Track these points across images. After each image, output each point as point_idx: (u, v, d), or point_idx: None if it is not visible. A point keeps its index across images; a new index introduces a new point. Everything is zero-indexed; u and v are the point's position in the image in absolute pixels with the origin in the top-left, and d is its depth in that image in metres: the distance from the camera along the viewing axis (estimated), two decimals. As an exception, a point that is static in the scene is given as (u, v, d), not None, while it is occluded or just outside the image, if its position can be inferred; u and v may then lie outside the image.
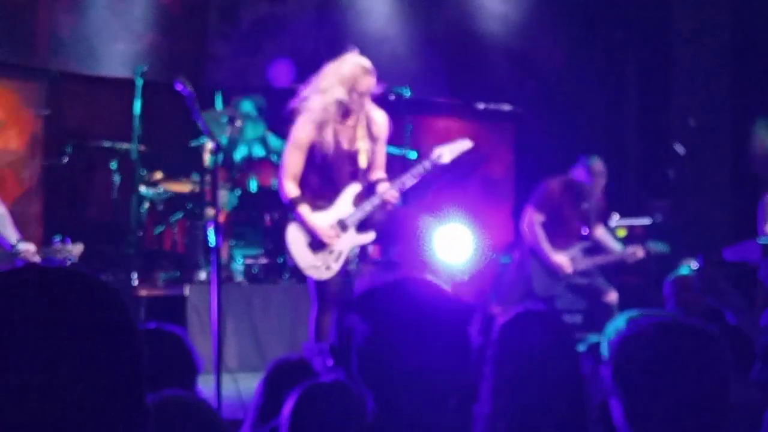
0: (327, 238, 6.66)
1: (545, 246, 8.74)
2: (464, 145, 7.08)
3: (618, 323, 3.43)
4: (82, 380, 1.38)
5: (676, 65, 12.34)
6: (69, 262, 7.21)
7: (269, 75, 10.44)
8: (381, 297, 2.28)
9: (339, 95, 6.61)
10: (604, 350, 3.39)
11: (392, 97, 9.57)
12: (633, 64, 12.68)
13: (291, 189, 6.64)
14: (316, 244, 6.67)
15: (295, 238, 6.66)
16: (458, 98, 11.65)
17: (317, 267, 6.64)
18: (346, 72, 6.63)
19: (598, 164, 8.91)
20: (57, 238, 7.31)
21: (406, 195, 9.70)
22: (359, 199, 6.79)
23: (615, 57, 12.56)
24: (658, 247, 9.18)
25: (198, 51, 10.80)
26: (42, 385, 1.36)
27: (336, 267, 6.69)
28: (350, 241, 6.78)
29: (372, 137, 6.86)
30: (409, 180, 6.80)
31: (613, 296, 8.72)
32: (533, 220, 8.82)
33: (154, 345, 3.30)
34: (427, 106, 11.04)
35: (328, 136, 6.64)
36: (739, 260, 8.60)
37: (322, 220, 6.69)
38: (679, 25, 12.33)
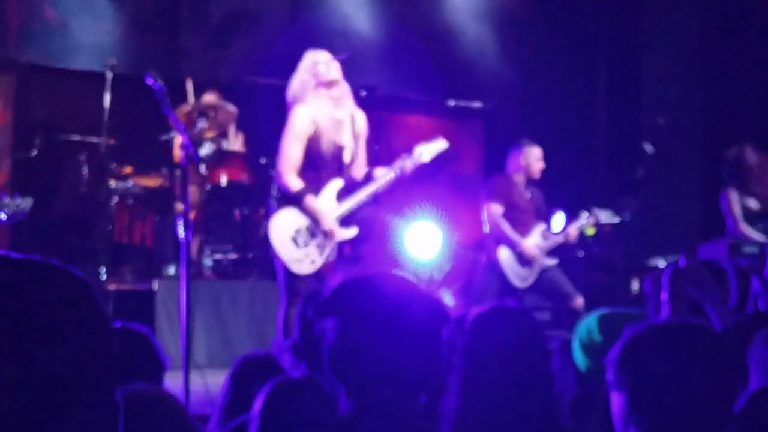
0: (335, 230, 6.65)
1: (513, 235, 8.78)
2: (441, 144, 7.10)
3: (589, 322, 3.45)
4: (52, 373, 1.37)
5: (646, 64, 12.41)
6: (20, 216, 7.17)
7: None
8: (351, 293, 2.29)
9: (306, 81, 6.71)
10: (576, 349, 3.41)
11: (363, 94, 9.59)
12: (603, 62, 12.74)
13: (295, 181, 6.60)
14: (302, 237, 6.64)
15: (279, 230, 6.63)
16: (429, 95, 11.66)
17: (301, 261, 6.60)
18: (307, 64, 6.74)
19: (534, 148, 8.96)
20: (4, 194, 7.25)
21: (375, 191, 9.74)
22: (341, 195, 6.77)
23: (585, 55, 12.61)
24: (608, 216, 9.23)
25: (169, 45, 10.77)
26: (12, 379, 1.34)
27: (320, 261, 6.68)
28: (338, 237, 6.79)
29: (354, 135, 6.88)
30: (395, 172, 6.83)
31: (579, 301, 8.75)
32: (493, 212, 8.86)
33: (120, 344, 3.30)
34: (398, 103, 11.05)
35: (321, 128, 6.66)
36: (708, 258, 8.68)
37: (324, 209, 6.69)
38: (649, 23, 12.40)
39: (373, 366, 2.22)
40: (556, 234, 9.02)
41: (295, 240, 6.65)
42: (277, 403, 2.89)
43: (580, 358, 3.35)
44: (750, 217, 9.00)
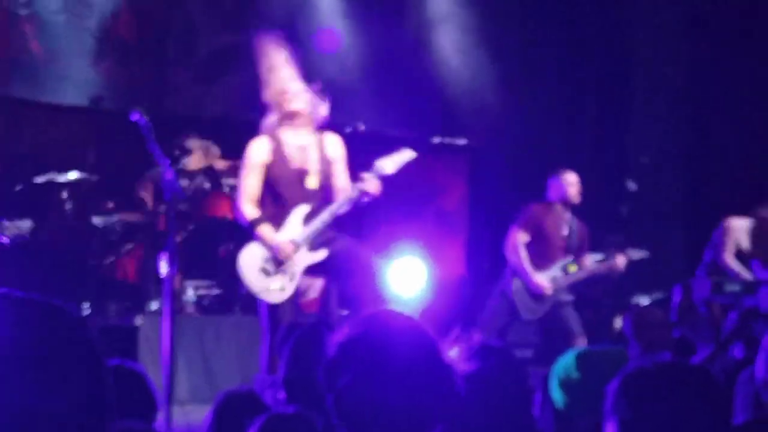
0: (289, 250, 6.60)
1: (527, 266, 8.69)
2: (405, 155, 7.07)
3: (567, 359, 3.47)
4: (46, 410, 1.37)
5: (632, 103, 12.48)
6: (21, 238, 7.21)
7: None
8: (360, 348, 2.27)
9: (284, 88, 6.76)
10: (554, 386, 3.42)
11: (348, 131, 9.62)
12: (590, 100, 12.82)
13: (250, 211, 6.60)
14: (271, 266, 6.63)
15: (247, 262, 6.63)
16: (413, 131, 11.70)
17: (270, 290, 6.60)
18: (276, 66, 6.85)
19: (569, 174, 8.93)
20: (3, 218, 7.29)
21: (359, 228, 9.74)
22: (308, 219, 6.73)
23: (571, 93, 12.68)
24: (639, 253, 9.19)
25: (155, 79, 10.79)
26: (5, 416, 1.35)
27: (290, 288, 6.65)
28: (303, 260, 6.73)
29: (328, 160, 6.86)
30: (354, 192, 6.77)
31: (581, 341, 8.67)
32: (517, 240, 8.80)
33: (116, 381, 3.31)
34: (382, 140, 11.08)
35: (279, 156, 6.66)
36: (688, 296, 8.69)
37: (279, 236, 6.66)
38: (636, 61, 12.48)
39: (386, 414, 2.22)
40: (579, 271, 8.92)
41: (264, 270, 6.63)
42: None
43: (557, 395, 3.37)
44: (740, 255, 9.02)
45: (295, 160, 6.73)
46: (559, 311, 8.77)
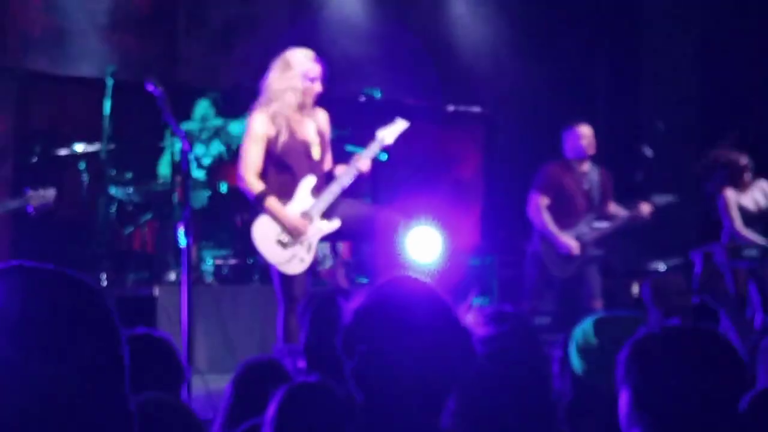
0: (301, 226, 6.63)
1: (553, 228, 8.70)
2: (401, 125, 7.21)
3: (585, 325, 3.47)
4: (64, 380, 1.38)
5: (645, 68, 12.44)
6: (46, 207, 7.33)
7: None
8: (375, 314, 2.27)
9: (295, 84, 6.69)
10: (572, 353, 3.43)
11: (363, 99, 9.63)
12: (602, 66, 12.78)
13: (256, 183, 6.61)
14: (286, 238, 6.64)
15: (263, 235, 6.64)
16: (428, 100, 11.68)
17: (290, 261, 6.61)
18: (296, 61, 6.74)
19: (581, 127, 8.88)
20: (27, 188, 7.39)
21: (374, 195, 9.76)
22: (316, 191, 6.76)
23: (584, 59, 12.64)
24: (665, 198, 9.15)
25: (168, 51, 10.80)
26: (23, 386, 1.35)
27: (309, 259, 6.68)
28: (318, 231, 6.76)
29: (322, 133, 6.90)
30: (357, 167, 6.82)
31: (597, 304, 8.68)
32: (539, 203, 8.79)
33: (144, 350, 3.34)
34: (397, 108, 11.07)
35: (284, 128, 6.68)
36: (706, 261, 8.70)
37: (290, 211, 6.68)
38: (648, 29, 12.43)
39: (401, 381, 2.22)
40: (604, 223, 8.89)
41: (280, 242, 6.65)
42: (292, 407, 2.89)
43: (576, 361, 3.37)
44: (746, 218, 9.04)
45: (299, 132, 6.74)
46: (586, 270, 8.76)
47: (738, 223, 9.01)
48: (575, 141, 8.80)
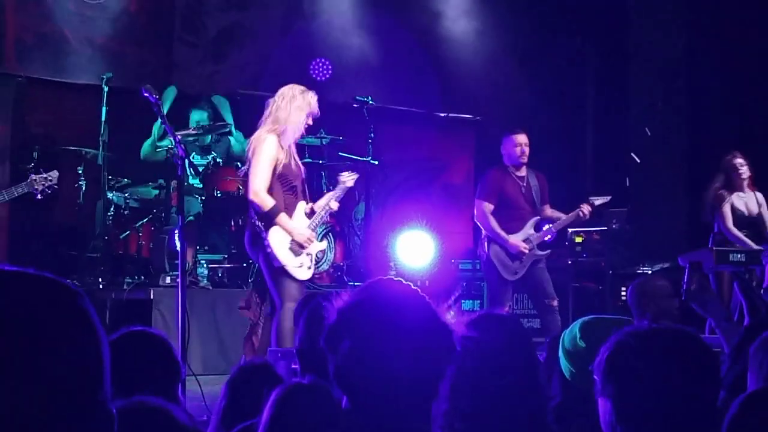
0: (308, 240, 7.16)
1: (500, 232, 8.92)
2: (354, 175, 7.76)
3: (572, 329, 3.53)
4: (42, 384, 1.37)
5: (633, 75, 12.53)
6: (51, 190, 7.53)
7: None
8: (358, 312, 2.28)
9: (302, 119, 7.15)
10: (561, 356, 3.49)
11: (355, 105, 9.74)
12: (591, 72, 12.87)
13: (268, 200, 7.01)
14: (296, 247, 7.12)
15: (278, 242, 7.05)
16: (420, 107, 11.77)
17: (300, 267, 7.13)
18: (306, 100, 7.18)
19: (515, 135, 9.08)
20: (31, 173, 7.54)
21: (367, 201, 9.87)
22: (309, 213, 7.35)
23: (573, 67, 12.73)
24: (602, 199, 9.36)
25: (164, 58, 10.86)
26: (1, 390, 1.35)
27: (312, 269, 7.34)
28: (317, 246, 7.39)
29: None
30: (327, 208, 7.52)
31: (555, 302, 8.88)
32: (484, 209, 9.01)
33: (139, 347, 3.39)
34: (389, 115, 11.17)
35: (288, 154, 7.16)
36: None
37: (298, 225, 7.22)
38: (635, 36, 12.52)
39: (381, 379, 2.22)
40: (547, 225, 9.10)
41: (292, 250, 7.10)
42: (287, 408, 2.91)
43: (564, 364, 3.41)
44: (736, 221, 9.14)
45: (296, 159, 7.28)
46: (534, 271, 8.96)
47: (729, 221, 9.11)
48: (510, 148, 9.06)
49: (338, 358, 2.26)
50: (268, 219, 7.03)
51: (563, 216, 9.15)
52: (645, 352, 2.39)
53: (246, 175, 7.23)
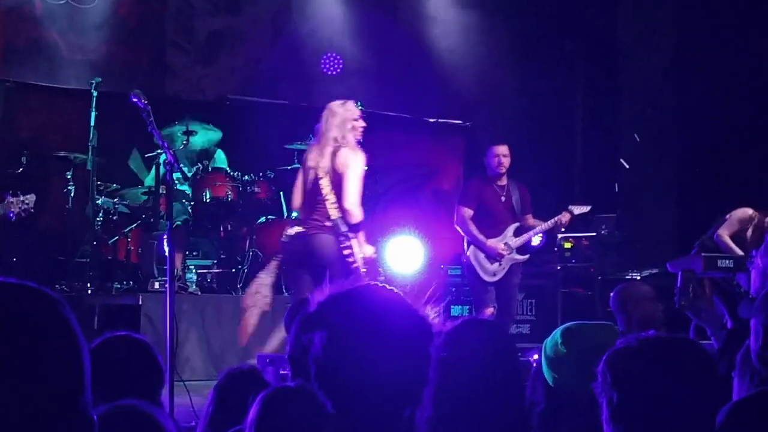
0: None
1: (477, 234, 9.09)
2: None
3: (554, 335, 3.54)
4: (22, 392, 1.37)
5: (622, 81, 12.57)
6: (26, 213, 7.47)
7: None
8: (338, 305, 2.29)
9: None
10: (543, 363, 3.50)
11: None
12: (580, 79, 12.90)
13: (361, 214, 7.42)
14: None
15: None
16: (409, 113, 11.78)
17: None
18: (353, 116, 7.60)
19: (496, 147, 9.22)
20: (8, 193, 7.46)
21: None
22: None
23: (562, 72, 12.76)
24: (582, 208, 9.49)
25: (154, 62, 10.86)
26: None
27: None
28: None
29: None
30: None
31: (489, 311, 9.02)
32: (463, 215, 9.16)
33: (123, 351, 3.39)
34: (378, 120, 11.17)
35: None
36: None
37: None
38: (624, 43, 12.56)
39: (359, 378, 2.21)
40: (526, 231, 9.24)
41: None
42: (272, 412, 2.91)
43: (547, 371, 3.41)
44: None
45: None
46: (509, 283, 9.09)
47: (726, 231, 9.09)
48: (490, 159, 9.23)
49: (315, 352, 2.25)
50: (361, 229, 7.42)
51: (543, 224, 9.28)
52: (647, 358, 2.41)
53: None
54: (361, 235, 7.38)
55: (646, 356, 2.41)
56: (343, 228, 7.28)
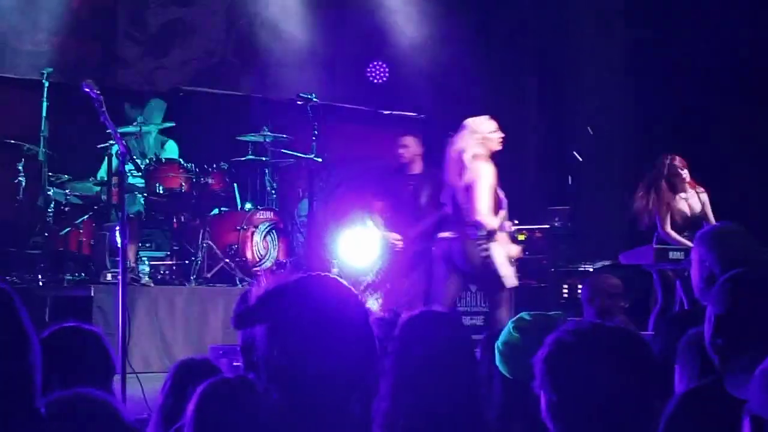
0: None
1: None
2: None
3: (506, 328, 3.55)
4: None
5: (576, 74, 12.63)
6: None
7: None
8: (278, 299, 2.29)
9: None
10: (497, 353, 3.51)
11: (299, 102, 9.71)
12: (534, 72, 12.95)
13: (493, 221, 7.76)
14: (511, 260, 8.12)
15: (499, 254, 7.84)
16: (365, 104, 11.78)
17: (511, 276, 8.11)
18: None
19: (402, 138, 9.40)
20: None
21: (310, 199, 9.85)
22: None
23: (517, 65, 12.81)
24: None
25: (106, 53, 10.80)
26: None
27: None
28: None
29: None
30: None
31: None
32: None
33: (72, 342, 3.37)
34: (334, 112, 11.17)
35: None
36: (634, 263, 8.86)
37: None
38: (577, 38, 12.62)
39: (302, 369, 2.22)
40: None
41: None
42: (210, 404, 2.90)
43: (500, 363, 3.43)
44: (678, 222, 9.18)
45: None
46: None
47: (666, 225, 9.15)
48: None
49: (259, 346, 2.26)
50: (493, 237, 7.75)
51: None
52: (584, 349, 2.41)
53: None
54: (502, 237, 7.83)
55: (581, 352, 2.41)
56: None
